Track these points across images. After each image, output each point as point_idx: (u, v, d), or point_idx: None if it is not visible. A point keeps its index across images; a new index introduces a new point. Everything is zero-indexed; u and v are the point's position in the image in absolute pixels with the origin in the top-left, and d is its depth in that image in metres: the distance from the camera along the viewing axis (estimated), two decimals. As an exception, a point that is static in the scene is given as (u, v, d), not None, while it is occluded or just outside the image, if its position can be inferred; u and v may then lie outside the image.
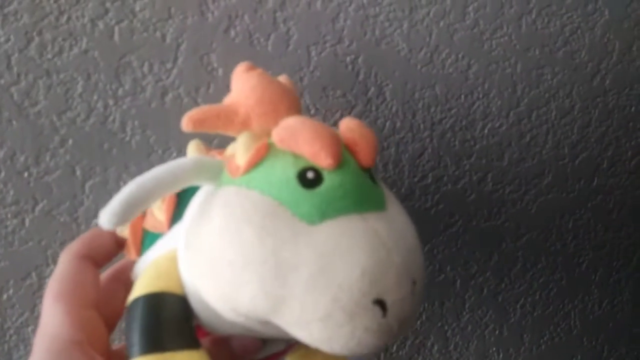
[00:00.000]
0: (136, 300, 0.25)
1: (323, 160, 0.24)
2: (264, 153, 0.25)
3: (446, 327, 0.52)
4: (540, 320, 0.54)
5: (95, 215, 0.41)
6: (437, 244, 0.49)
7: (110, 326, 0.29)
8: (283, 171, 0.24)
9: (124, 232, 0.30)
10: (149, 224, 0.29)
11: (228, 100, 0.29)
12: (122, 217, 0.23)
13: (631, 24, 0.46)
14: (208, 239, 0.24)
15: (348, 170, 0.25)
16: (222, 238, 0.23)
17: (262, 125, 0.28)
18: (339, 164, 0.25)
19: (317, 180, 0.24)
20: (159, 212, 0.28)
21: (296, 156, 0.25)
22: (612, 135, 0.49)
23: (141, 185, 0.24)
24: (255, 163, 0.25)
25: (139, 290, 0.25)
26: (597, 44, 0.46)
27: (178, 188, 0.25)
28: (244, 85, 0.29)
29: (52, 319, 0.26)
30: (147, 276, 0.26)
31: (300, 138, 0.25)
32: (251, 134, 0.26)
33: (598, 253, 0.53)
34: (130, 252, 0.30)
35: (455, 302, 0.51)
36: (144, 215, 0.30)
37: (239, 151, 0.25)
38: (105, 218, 0.23)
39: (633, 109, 0.48)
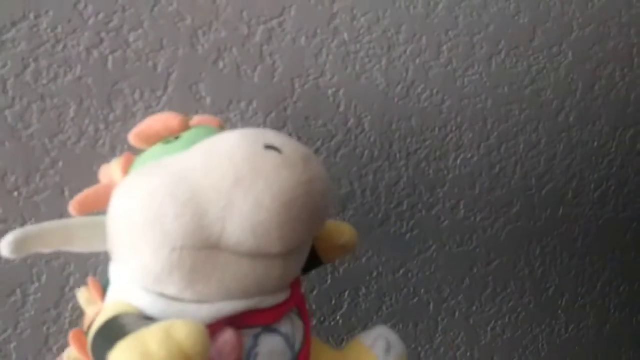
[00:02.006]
0: (94, 333, 0.25)
1: (172, 122, 0.30)
2: (132, 158, 0.30)
3: (419, 349, 0.54)
4: (510, 343, 0.56)
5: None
6: (412, 267, 0.51)
7: None
8: (150, 150, 0.30)
9: (71, 357, 0.30)
10: (87, 325, 0.29)
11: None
12: (16, 249, 0.26)
13: (593, 65, 0.49)
14: (115, 221, 0.26)
15: (200, 127, 0.30)
16: (121, 203, 0.26)
17: None
18: (189, 126, 0.30)
19: (177, 139, 0.29)
20: (89, 307, 0.29)
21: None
22: (577, 167, 0.52)
23: (41, 225, 0.27)
24: (129, 164, 0.30)
25: (93, 329, 0.25)
26: (561, 83, 0.49)
27: (71, 239, 0.28)
28: (108, 167, 0.32)
29: None
30: (96, 320, 0.26)
31: (148, 123, 0.31)
32: (117, 159, 0.31)
33: (564, 279, 0.56)
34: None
35: (428, 324, 0.53)
36: (81, 329, 0.30)
37: (113, 171, 0.30)
38: (3, 247, 0.26)
39: (595, 143, 0.52)
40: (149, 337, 0.20)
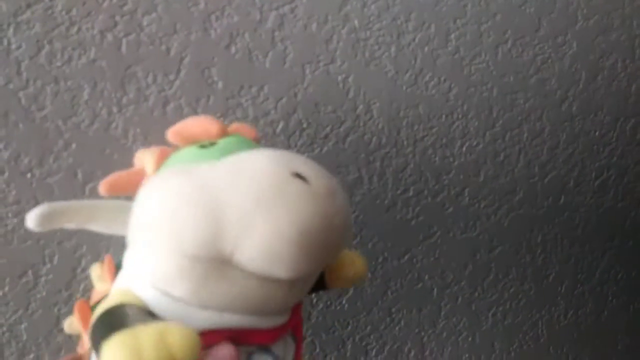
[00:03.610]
0: (97, 317, 0.24)
1: (211, 128, 0.30)
2: (167, 154, 0.30)
3: (422, 334, 0.55)
4: (510, 328, 0.57)
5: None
6: (416, 253, 0.52)
7: None
8: (185, 151, 0.30)
9: (72, 327, 0.31)
10: (94, 299, 0.30)
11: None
12: (41, 222, 0.27)
13: (596, 56, 0.50)
14: (137, 215, 0.26)
15: (237, 136, 0.31)
16: (146, 200, 0.26)
17: None
18: (226, 133, 0.31)
19: (213, 145, 0.30)
20: (99, 283, 0.30)
21: (192, 144, 0.31)
22: (579, 157, 0.53)
23: (67, 202, 0.28)
24: (163, 160, 0.30)
25: (96, 313, 0.25)
26: (565, 73, 0.50)
27: (95, 218, 0.29)
28: (141, 157, 0.33)
29: None
30: (101, 304, 0.26)
31: (188, 124, 0.32)
32: (152, 150, 0.31)
33: (564, 266, 0.57)
34: (85, 340, 0.30)
35: (431, 309, 0.54)
36: (88, 300, 0.31)
37: (146, 162, 0.30)
38: (29, 219, 0.27)
39: (597, 133, 0.53)
40: (143, 336, 0.21)
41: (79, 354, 0.32)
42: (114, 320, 0.23)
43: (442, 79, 0.47)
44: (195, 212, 0.24)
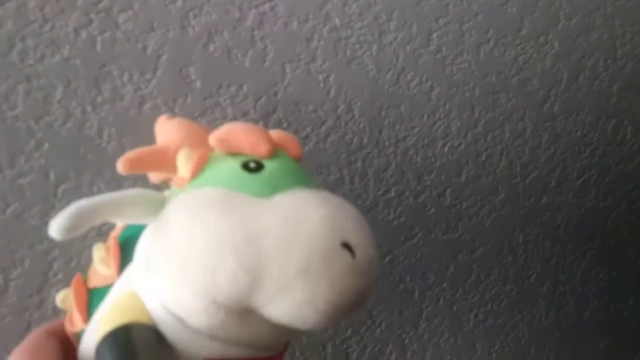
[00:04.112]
0: (104, 339, 0.24)
1: (261, 147, 0.28)
2: (206, 159, 0.28)
3: (404, 336, 0.55)
4: (491, 329, 0.57)
5: (68, 219, 0.42)
6: (398, 255, 0.51)
7: None
8: (227, 166, 0.27)
9: (65, 302, 0.29)
10: (93, 283, 0.29)
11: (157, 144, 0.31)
12: (70, 227, 0.24)
13: (578, 55, 0.50)
14: (172, 242, 0.24)
15: (284, 158, 0.29)
16: (187, 232, 0.24)
17: None
18: (275, 153, 0.28)
19: (259, 167, 0.27)
20: (102, 267, 0.28)
21: (235, 156, 0.28)
22: (560, 157, 0.53)
23: (89, 201, 0.25)
24: (199, 169, 0.27)
25: (104, 329, 0.24)
26: (547, 73, 0.50)
27: (121, 213, 0.26)
28: (168, 129, 0.31)
29: None
30: (109, 316, 0.25)
31: (237, 134, 0.28)
32: (189, 150, 0.28)
33: (545, 266, 0.57)
34: (75, 319, 0.28)
35: (413, 311, 0.54)
36: (85, 280, 0.30)
37: (181, 164, 0.28)
38: (55, 227, 0.24)
39: (579, 133, 0.53)
40: None
41: (62, 323, 0.30)
42: (122, 352, 0.23)
43: (424, 78, 0.47)
44: (236, 264, 0.23)
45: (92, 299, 0.28)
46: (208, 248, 0.23)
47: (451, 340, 0.56)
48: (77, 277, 0.29)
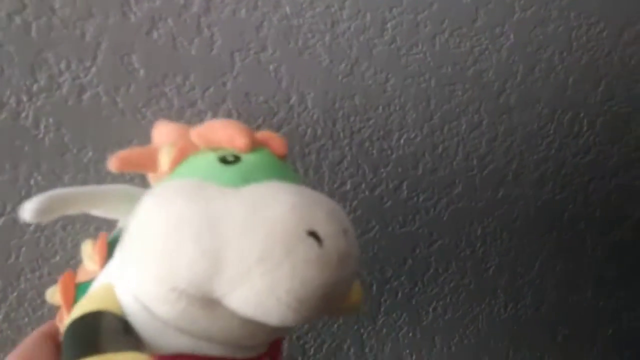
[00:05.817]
0: (70, 324, 0.24)
1: (238, 141, 0.27)
2: (186, 154, 0.28)
3: (362, 330, 0.54)
4: (450, 322, 0.57)
5: (2, 212, 0.40)
6: (355, 248, 0.50)
7: None
8: (204, 159, 0.27)
9: (54, 297, 0.29)
10: (81, 277, 0.29)
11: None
12: (40, 210, 0.25)
13: (533, 48, 0.50)
14: (138, 229, 0.24)
15: (264, 153, 0.28)
16: (151, 217, 0.24)
17: None
18: (253, 147, 0.28)
19: (236, 160, 0.27)
20: (89, 261, 0.28)
21: (215, 150, 0.28)
22: (517, 149, 0.53)
23: (67, 189, 0.26)
24: (178, 163, 0.27)
25: (73, 314, 0.24)
26: (503, 65, 0.49)
27: (95, 203, 0.27)
28: (163, 132, 0.31)
29: None
30: (81, 304, 0.25)
31: (216, 128, 0.29)
32: (171, 146, 0.28)
33: (503, 259, 0.57)
34: (62, 313, 0.29)
35: (371, 305, 0.53)
36: (74, 274, 0.30)
37: (162, 158, 0.28)
38: (26, 208, 0.25)
39: (535, 125, 0.52)
40: None
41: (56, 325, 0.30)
42: (86, 334, 0.23)
43: (379, 69, 0.46)
44: (195, 249, 0.22)
45: (78, 293, 0.28)
46: (168, 232, 0.23)
47: (410, 334, 0.56)
48: (66, 273, 0.29)
